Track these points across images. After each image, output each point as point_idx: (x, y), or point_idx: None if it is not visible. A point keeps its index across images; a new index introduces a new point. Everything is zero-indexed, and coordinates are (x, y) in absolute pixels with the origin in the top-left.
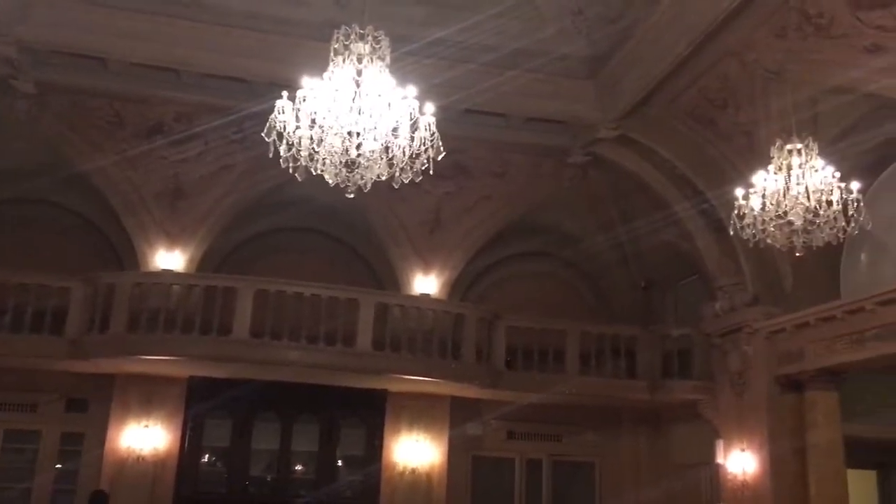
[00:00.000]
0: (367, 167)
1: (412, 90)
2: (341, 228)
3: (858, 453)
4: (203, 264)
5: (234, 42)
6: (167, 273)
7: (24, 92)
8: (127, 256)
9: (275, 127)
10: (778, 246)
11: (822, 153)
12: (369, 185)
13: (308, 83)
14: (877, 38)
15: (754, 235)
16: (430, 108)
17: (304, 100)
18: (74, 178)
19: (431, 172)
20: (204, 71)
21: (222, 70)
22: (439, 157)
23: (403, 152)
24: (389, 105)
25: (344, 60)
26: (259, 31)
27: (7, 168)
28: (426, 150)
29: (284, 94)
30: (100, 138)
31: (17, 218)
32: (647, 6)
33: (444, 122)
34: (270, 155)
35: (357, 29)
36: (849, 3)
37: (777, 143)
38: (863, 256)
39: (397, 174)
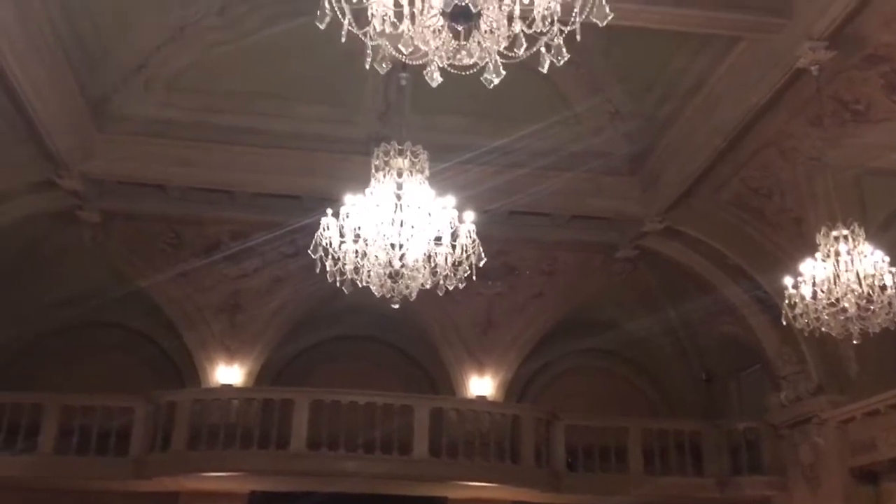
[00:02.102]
0: (411, 277)
1: (451, 200)
2: (394, 334)
3: None
4: (261, 376)
5: (283, 162)
6: (226, 388)
7: (89, 221)
8: (188, 372)
9: (320, 243)
10: (834, 334)
11: (872, 237)
12: (414, 295)
13: (351, 199)
14: None
15: (808, 325)
16: (469, 215)
17: (348, 215)
18: (137, 299)
19: (475, 278)
20: (256, 191)
21: (273, 189)
22: (481, 263)
23: (446, 260)
24: (430, 215)
25: (385, 175)
26: (306, 150)
27: (73, 293)
28: (468, 257)
29: (329, 210)
30: (161, 259)
31: (83, 340)
32: (681, 103)
33: (490, 224)
34: (318, 270)
35: (396, 145)
36: (884, 88)
37: (822, 231)
38: None
39: (441, 282)
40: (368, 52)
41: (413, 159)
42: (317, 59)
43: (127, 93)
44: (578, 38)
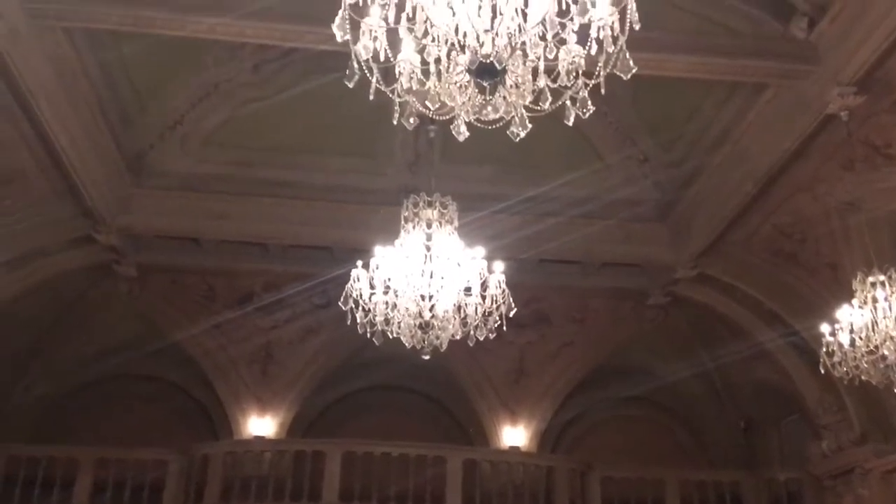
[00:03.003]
0: (441, 328)
1: (481, 250)
2: (426, 383)
3: None
4: (293, 428)
5: (315, 214)
6: (258, 440)
7: (126, 275)
8: (220, 423)
9: (351, 295)
10: (874, 382)
11: None
12: (445, 345)
13: (381, 251)
14: None
15: (847, 373)
16: (499, 265)
17: (378, 267)
18: (170, 350)
19: (505, 328)
20: (288, 243)
21: (305, 240)
22: (511, 314)
23: (476, 311)
24: (460, 266)
25: (414, 227)
26: (337, 201)
27: (108, 346)
28: (498, 308)
29: (359, 262)
30: (195, 311)
31: (117, 393)
32: (710, 150)
33: (520, 272)
34: (348, 322)
35: (425, 196)
36: None
37: (858, 276)
38: None
39: (472, 333)
40: (396, 108)
41: (442, 210)
42: (347, 113)
43: (163, 148)
44: (603, 91)
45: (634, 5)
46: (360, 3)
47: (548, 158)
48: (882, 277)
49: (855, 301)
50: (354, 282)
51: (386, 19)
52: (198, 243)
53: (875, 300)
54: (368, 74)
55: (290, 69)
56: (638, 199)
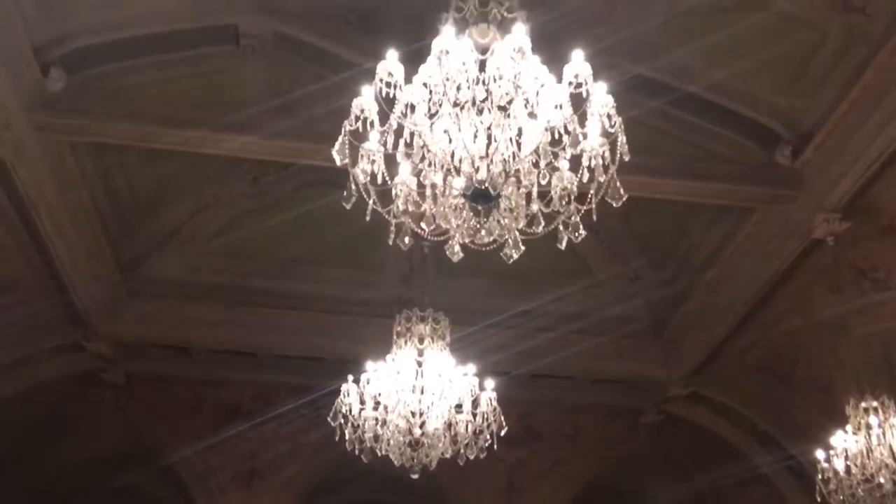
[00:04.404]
0: (431, 446)
1: (472, 367)
2: (414, 499)
3: None
4: None
5: (307, 324)
6: None
7: (114, 384)
8: None
9: (340, 410)
10: None
11: None
12: (434, 464)
13: (372, 366)
14: None
15: (844, 501)
16: (490, 383)
17: (368, 382)
18: (155, 461)
19: (496, 446)
20: (279, 353)
21: (296, 351)
22: (502, 432)
23: (466, 428)
24: (451, 383)
25: (406, 342)
26: (331, 312)
27: (92, 456)
28: (489, 426)
29: (350, 377)
30: (181, 421)
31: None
32: (701, 269)
33: (511, 387)
34: (336, 438)
35: (418, 312)
36: None
37: (851, 402)
38: None
39: (462, 451)
40: (392, 229)
41: (434, 325)
42: (342, 225)
43: (159, 257)
44: (595, 217)
45: (625, 138)
46: (360, 129)
47: (541, 274)
48: (875, 403)
49: (849, 427)
50: (344, 397)
51: (385, 144)
52: (188, 352)
53: (869, 426)
54: (366, 196)
55: (288, 182)
56: (630, 317)
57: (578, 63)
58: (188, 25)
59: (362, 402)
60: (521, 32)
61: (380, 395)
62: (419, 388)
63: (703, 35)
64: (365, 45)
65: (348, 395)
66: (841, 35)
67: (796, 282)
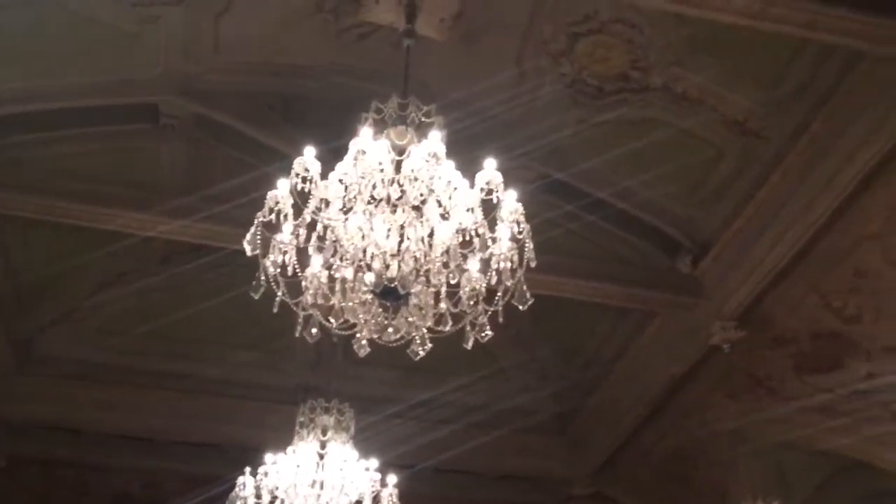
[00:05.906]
0: None
1: (374, 462)
2: None
3: None
4: None
5: (206, 408)
6: None
7: None
8: None
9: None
10: None
11: None
12: None
13: (271, 458)
14: (825, 400)
15: None
16: (392, 479)
17: (266, 475)
18: None
19: None
20: (175, 439)
21: (193, 437)
22: None
23: None
24: (352, 480)
25: (308, 433)
26: (233, 396)
27: None
28: None
29: (247, 469)
30: None
31: None
32: (606, 367)
33: (415, 482)
34: None
35: (323, 402)
36: (794, 368)
37: None
38: None
39: None
40: (299, 321)
41: (339, 417)
42: (250, 307)
43: (54, 334)
44: (501, 319)
45: (532, 244)
46: (273, 221)
47: (448, 364)
48: None
49: None
50: (240, 489)
51: (297, 236)
52: (78, 434)
53: None
54: (275, 287)
55: (197, 262)
56: (535, 410)
57: (490, 171)
58: (108, 101)
59: (258, 497)
60: (436, 138)
61: (277, 488)
62: (318, 483)
63: (612, 145)
64: (286, 133)
65: (244, 487)
66: (737, 154)
67: (696, 385)
